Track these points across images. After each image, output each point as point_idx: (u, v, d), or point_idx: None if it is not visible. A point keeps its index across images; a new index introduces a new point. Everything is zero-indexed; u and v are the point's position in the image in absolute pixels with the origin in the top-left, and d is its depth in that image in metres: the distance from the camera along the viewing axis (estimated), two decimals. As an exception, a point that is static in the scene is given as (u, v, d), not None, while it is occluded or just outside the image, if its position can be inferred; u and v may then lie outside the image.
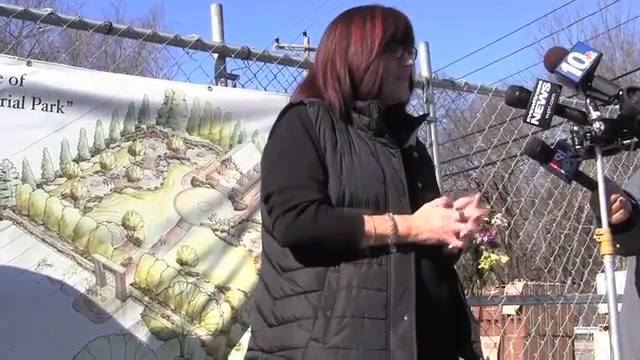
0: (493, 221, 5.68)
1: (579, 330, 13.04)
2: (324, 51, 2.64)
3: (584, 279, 8.12)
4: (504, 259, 5.64)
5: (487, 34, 53.00)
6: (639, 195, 3.04)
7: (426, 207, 2.47)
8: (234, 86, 4.74)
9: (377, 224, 2.39)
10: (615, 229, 2.59)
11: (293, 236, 2.41)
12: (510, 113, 5.57)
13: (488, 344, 11.50)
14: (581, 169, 2.63)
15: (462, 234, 2.44)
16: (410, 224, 2.42)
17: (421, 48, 5.49)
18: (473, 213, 2.47)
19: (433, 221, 2.43)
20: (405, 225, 2.42)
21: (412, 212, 2.46)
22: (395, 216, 2.42)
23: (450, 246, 2.47)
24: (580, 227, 8.15)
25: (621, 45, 31.40)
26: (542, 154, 2.55)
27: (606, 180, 2.63)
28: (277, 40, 23.22)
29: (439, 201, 2.48)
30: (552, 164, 2.53)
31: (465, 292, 5.55)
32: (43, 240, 3.73)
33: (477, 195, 2.54)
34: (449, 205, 2.48)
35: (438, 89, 6.03)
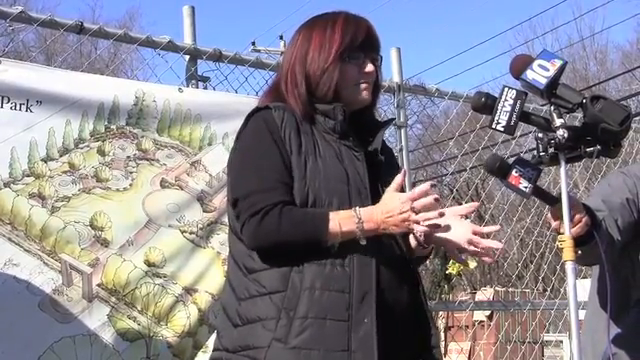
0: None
1: (548, 337, 13.10)
2: (287, 58, 2.70)
3: (553, 286, 8.18)
4: (472, 264, 5.66)
5: (463, 41, 53.17)
6: (602, 206, 3.06)
7: (384, 197, 2.48)
8: (205, 88, 4.74)
9: (343, 222, 2.41)
10: (574, 242, 2.61)
11: (259, 240, 2.44)
12: (482, 119, 5.60)
13: (458, 349, 11.55)
14: (545, 176, 2.65)
15: (419, 227, 2.46)
16: (375, 219, 2.43)
17: (393, 53, 5.52)
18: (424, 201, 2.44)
19: (395, 214, 2.43)
20: (370, 221, 2.43)
21: None
22: (361, 211, 2.43)
23: (419, 235, 2.52)
24: (550, 234, 8.19)
25: (595, 54, 31.66)
26: (500, 170, 2.56)
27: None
28: (253, 43, 23.16)
29: (393, 186, 2.48)
30: (510, 180, 2.54)
31: (434, 297, 5.57)
32: (9, 239, 3.71)
33: (427, 184, 2.52)
34: (400, 188, 2.48)
35: (411, 95, 6.04)
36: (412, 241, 2.63)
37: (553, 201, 2.67)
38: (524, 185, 2.54)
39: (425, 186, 2.48)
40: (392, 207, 2.44)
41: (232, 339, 2.45)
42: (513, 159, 2.62)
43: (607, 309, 3.14)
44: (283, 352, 2.32)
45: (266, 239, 2.42)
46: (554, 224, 2.72)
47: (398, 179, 2.49)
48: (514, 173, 2.54)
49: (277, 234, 2.40)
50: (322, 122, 2.59)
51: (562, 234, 2.65)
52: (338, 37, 2.60)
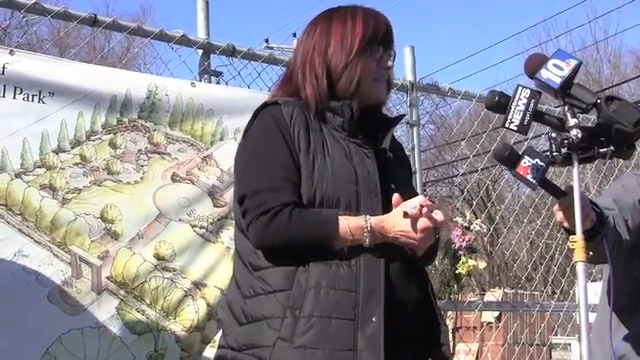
0: (472, 227, 5.70)
1: (556, 339, 13.08)
2: (303, 49, 2.65)
3: (562, 288, 8.15)
4: (482, 264, 5.65)
5: (477, 42, 53.08)
6: (612, 205, 3.05)
7: (397, 209, 2.46)
8: (218, 83, 4.74)
9: (353, 229, 2.39)
10: None
11: (266, 240, 2.42)
12: (494, 120, 5.60)
13: (466, 350, 11.54)
14: (557, 177, 2.64)
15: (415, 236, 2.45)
16: (384, 226, 2.43)
17: (406, 52, 5.51)
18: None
19: (398, 223, 2.44)
20: (379, 228, 2.43)
21: (384, 213, 2.47)
22: (371, 219, 2.42)
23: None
24: (560, 236, 8.17)
25: (609, 58, 31.55)
26: (509, 159, 2.54)
27: (571, 189, 2.65)
28: (267, 40, 23.17)
29: (415, 201, 2.47)
30: (518, 170, 2.52)
31: (443, 297, 5.56)
32: (20, 230, 3.71)
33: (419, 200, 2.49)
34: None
35: (424, 95, 6.04)
36: None
37: (560, 194, 2.66)
38: (532, 176, 2.51)
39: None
40: (406, 225, 2.44)
41: (237, 337, 2.44)
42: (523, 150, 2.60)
43: (614, 309, 3.13)
44: (288, 351, 2.30)
45: (274, 240, 2.41)
46: (559, 217, 2.72)
47: (419, 200, 2.48)
48: (523, 163, 2.51)
49: (286, 236, 2.39)
50: (331, 119, 2.57)
51: (565, 226, 2.68)
52: (360, 30, 2.58)
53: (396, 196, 2.47)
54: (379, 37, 2.62)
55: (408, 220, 2.42)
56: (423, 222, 2.43)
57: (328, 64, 2.57)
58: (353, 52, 2.56)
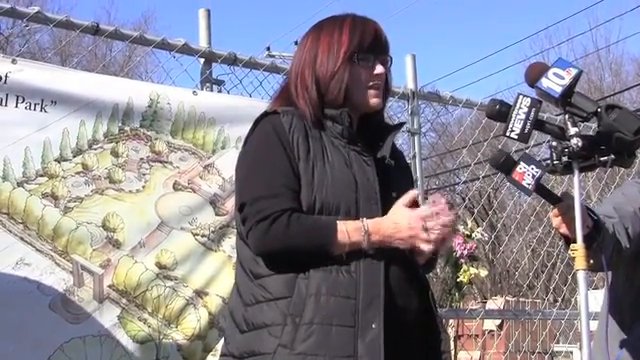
0: (474, 235, 5.71)
1: (558, 347, 13.06)
2: (296, 62, 2.69)
3: (564, 296, 8.15)
4: (483, 272, 5.67)
5: (479, 50, 53.10)
6: (613, 213, 3.05)
7: (394, 210, 2.49)
8: (219, 91, 4.74)
9: (351, 233, 2.40)
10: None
11: (265, 246, 2.43)
12: (495, 128, 5.61)
13: (468, 358, 11.53)
14: (558, 185, 2.65)
15: (427, 247, 2.46)
16: (382, 233, 2.44)
17: (407, 60, 5.51)
18: (439, 221, 2.47)
19: (402, 230, 2.45)
20: (377, 234, 2.43)
21: None
22: (368, 222, 2.43)
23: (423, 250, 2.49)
24: (561, 244, 8.17)
25: (610, 65, 31.56)
26: (505, 165, 2.55)
27: (566, 195, 2.66)
28: (268, 48, 23.18)
29: (404, 200, 2.49)
30: (514, 176, 2.53)
31: (445, 305, 5.56)
32: (22, 239, 3.71)
33: (442, 200, 2.51)
34: (414, 203, 2.50)
35: (425, 103, 6.04)
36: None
37: (556, 200, 2.68)
38: (527, 182, 2.52)
39: (439, 205, 2.48)
40: (400, 223, 2.45)
41: (238, 345, 2.45)
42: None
43: (616, 317, 3.14)
44: (289, 358, 2.31)
45: (272, 245, 2.42)
46: (555, 222, 2.73)
47: (411, 194, 2.50)
48: (518, 169, 2.52)
49: (285, 241, 2.40)
50: (331, 127, 2.58)
51: (562, 232, 2.70)
52: (346, 39, 2.59)
53: (411, 194, 2.50)
54: (366, 45, 2.61)
55: (409, 216, 2.45)
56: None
57: (317, 75, 2.59)
58: (339, 62, 2.57)
